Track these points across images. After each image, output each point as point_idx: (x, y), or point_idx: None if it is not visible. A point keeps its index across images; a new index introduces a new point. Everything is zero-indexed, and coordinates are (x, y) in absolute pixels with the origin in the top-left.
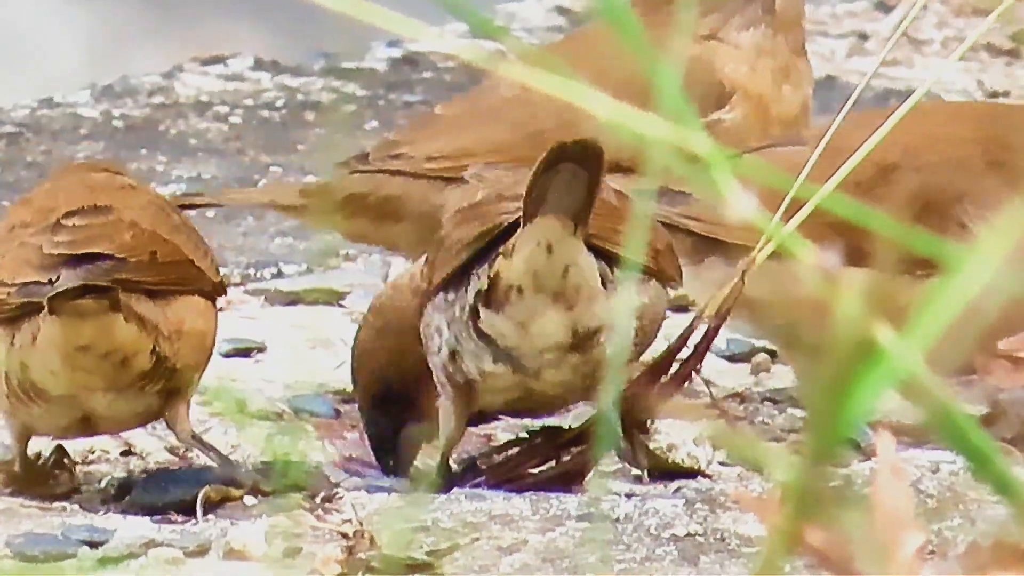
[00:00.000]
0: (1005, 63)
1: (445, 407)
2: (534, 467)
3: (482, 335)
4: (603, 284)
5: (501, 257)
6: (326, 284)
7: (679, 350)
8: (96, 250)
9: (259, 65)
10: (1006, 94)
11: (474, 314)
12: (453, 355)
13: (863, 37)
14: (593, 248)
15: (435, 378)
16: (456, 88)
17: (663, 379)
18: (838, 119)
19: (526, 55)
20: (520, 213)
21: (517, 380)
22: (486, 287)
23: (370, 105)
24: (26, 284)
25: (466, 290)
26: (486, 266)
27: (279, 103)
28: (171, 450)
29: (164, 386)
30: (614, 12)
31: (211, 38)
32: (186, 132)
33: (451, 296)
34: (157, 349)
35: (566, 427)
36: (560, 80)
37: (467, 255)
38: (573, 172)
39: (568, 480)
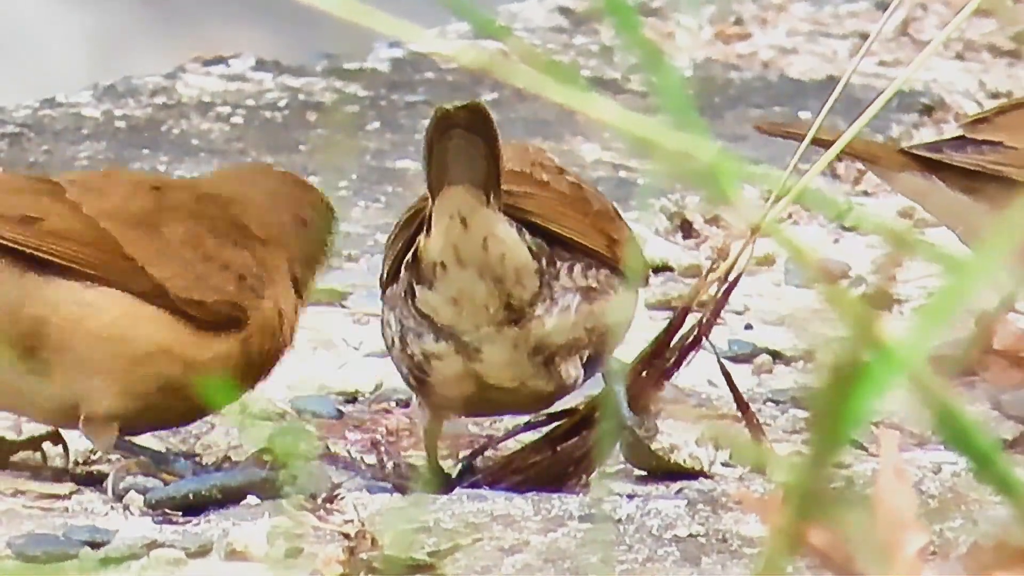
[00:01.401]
0: (1007, 64)
1: (418, 405)
2: (531, 463)
3: (421, 313)
4: (541, 262)
5: (423, 235)
6: (328, 285)
7: (672, 337)
8: None
9: (261, 65)
10: (1008, 95)
11: (410, 292)
12: (403, 343)
13: (865, 38)
14: (534, 227)
15: (401, 376)
16: (458, 88)
17: (658, 364)
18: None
19: (527, 56)
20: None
21: (462, 363)
22: (412, 262)
23: (372, 106)
24: None
25: (403, 270)
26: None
27: (281, 103)
28: (173, 452)
29: (29, 366)
30: (619, 13)
31: (213, 38)
32: (188, 132)
33: (394, 288)
34: None
35: (562, 422)
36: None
37: (400, 243)
38: (466, 138)
39: (568, 473)
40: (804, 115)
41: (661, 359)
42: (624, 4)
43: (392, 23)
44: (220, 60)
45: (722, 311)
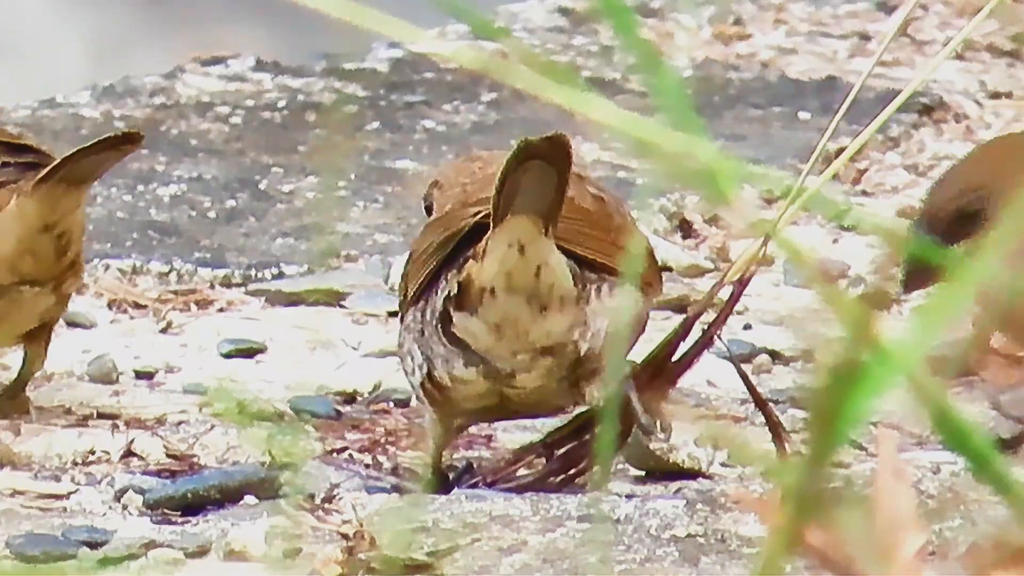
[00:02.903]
0: (1007, 64)
1: (428, 415)
2: (530, 465)
3: (454, 339)
4: (579, 287)
5: (472, 260)
6: (327, 285)
7: (679, 342)
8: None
9: (260, 66)
10: (1008, 95)
11: (445, 319)
12: (429, 372)
13: (864, 38)
14: (563, 251)
15: (415, 395)
16: (457, 89)
17: (670, 367)
18: (837, 118)
19: (527, 56)
20: (484, 215)
21: (489, 386)
22: (456, 290)
23: (371, 106)
24: None
25: (435, 297)
26: (455, 270)
27: (280, 104)
28: (171, 452)
29: (65, 294)
30: (617, 13)
31: (212, 39)
32: (187, 133)
33: (418, 312)
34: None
35: (563, 424)
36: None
37: (435, 262)
38: (542, 169)
39: (571, 474)
40: (804, 115)
41: (671, 361)
42: (623, 5)
43: (391, 24)
44: (219, 60)
45: (733, 310)
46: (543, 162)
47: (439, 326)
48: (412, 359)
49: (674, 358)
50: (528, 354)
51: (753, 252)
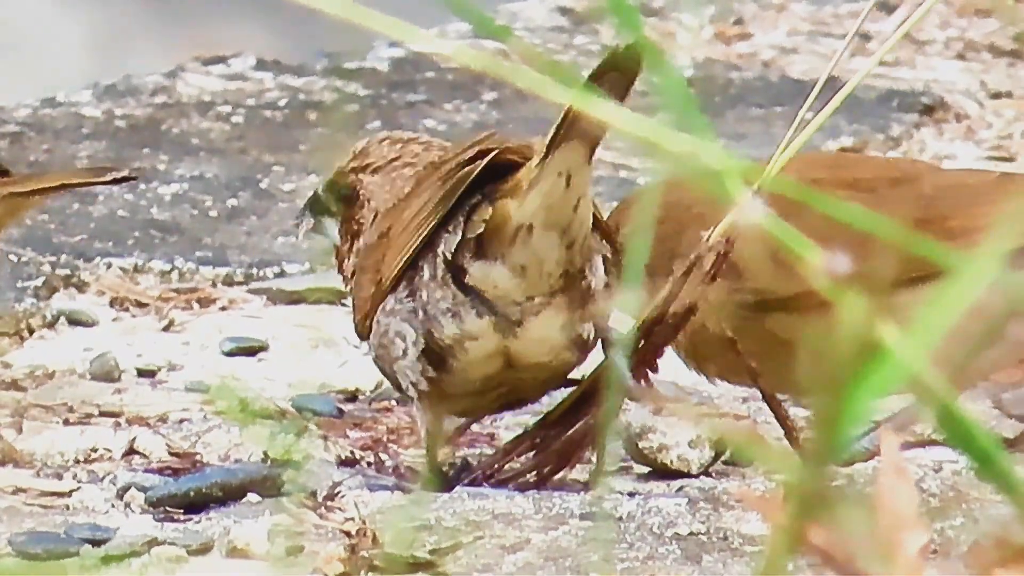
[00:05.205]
0: (1008, 64)
1: (419, 409)
2: (525, 457)
3: (466, 290)
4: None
5: (506, 199)
6: (329, 283)
7: (670, 304)
8: None
9: (261, 65)
10: (1008, 95)
11: (455, 271)
12: (426, 347)
13: (865, 37)
14: None
15: (400, 386)
16: (459, 88)
17: (658, 332)
18: (824, 113)
19: (528, 55)
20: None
21: (496, 342)
22: (479, 232)
23: (372, 105)
24: None
25: (437, 254)
26: (464, 218)
27: (281, 103)
28: (173, 450)
29: None
30: (620, 12)
31: (213, 38)
32: (188, 132)
33: (403, 293)
34: None
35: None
36: (561, 82)
37: (434, 220)
38: (615, 84)
39: (572, 452)
40: (805, 115)
41: (660, 327)
42: (625, 4)
43: (391, 23)
44: (220, 59)
45: (719, 272)
46: (618, 75)
47: (449, 280)
48: (403, 340)
49: (662, 324)
50: (545, 296)
51: (735, 215)
